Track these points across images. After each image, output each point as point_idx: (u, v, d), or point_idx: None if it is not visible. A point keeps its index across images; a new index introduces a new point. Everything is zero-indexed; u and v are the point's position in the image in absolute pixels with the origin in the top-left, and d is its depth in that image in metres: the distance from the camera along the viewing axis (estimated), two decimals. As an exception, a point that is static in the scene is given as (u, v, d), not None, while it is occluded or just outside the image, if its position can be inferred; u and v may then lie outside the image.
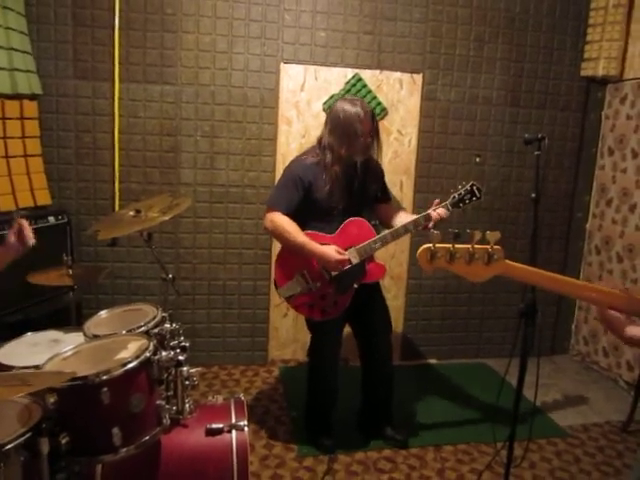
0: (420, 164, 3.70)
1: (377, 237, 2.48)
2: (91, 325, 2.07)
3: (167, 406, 1.78)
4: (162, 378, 1.78)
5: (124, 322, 2.06)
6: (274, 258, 3.54)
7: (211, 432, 1.87)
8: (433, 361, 3.90)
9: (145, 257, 3.42)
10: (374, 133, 2.50)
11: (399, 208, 2.91)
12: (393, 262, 3.73)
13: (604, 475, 2.66)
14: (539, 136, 2.28)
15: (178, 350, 1.89)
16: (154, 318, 2.07)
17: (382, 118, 3.54)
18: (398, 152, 3.66)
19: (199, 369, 1.99)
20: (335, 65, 3.49)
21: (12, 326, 2.63)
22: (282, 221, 2.45)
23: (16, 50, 2.91)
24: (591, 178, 3.93)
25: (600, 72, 3.61)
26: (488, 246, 1.26)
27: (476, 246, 1.26)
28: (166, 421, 1.75)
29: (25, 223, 1.93)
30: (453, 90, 3.65)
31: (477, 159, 3.75)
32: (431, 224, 2.44)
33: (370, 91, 3.51)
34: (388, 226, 2.68)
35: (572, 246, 4.01)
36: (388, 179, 2.85)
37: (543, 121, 3.80)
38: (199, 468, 1.82)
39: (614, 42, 3.54)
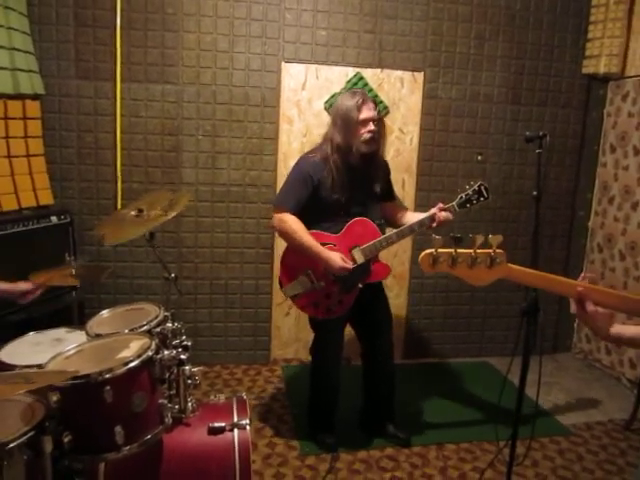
0: (422, 162, 3.69)
1: (382, 237, 2.49)
2: (93, 324, 2.08)
3: (169, 405, 1.79)
4: (164, 377, 1.78)
5: (126, 321, 2.07)
6: (276, 257, 3.57)
7: (213, 431, 1.87)
8: (435, 360, 3.90)
9: (147, 256, 3.43)
10: (378, 123, 2.47)
11: (404, 207, 2.91)
12: (395, 261, 3.72)
13: (607, 473, 2.66)
14: (540, 134, 2.28)
15: (180, 349, 1.90)
16: (156, 317, 2.07)
17: (384, 116, 3.53)
18: (400, 150, 3.66)
19: (201, 368, 2.00)
20: (336, 64, 3.49)
21: (15, 325, 2.64)
22: (290, 221, 2.45)
23: (18, 50, 2.92)
24: (593, 176, 3.92)
25: (601, 69, 3.61)
26: (490, 250, 1.26)
27: (478, 250, 1.26)
28: (168, 420, 1.75)
29: (38, 291, 2.17)
30: (454, 88, 3.65)
31: (479, 157, 3.75)
32: (435, 225, 2.44)
33: (371, 90, 3.51)
34: (393, 224, 2.68)
35: (574, 244, 4.00)
36: (392, 179, 2.84)
37: (544, 119, 3.79)
38: (201, 467, 1.82)
39: (615, 39, 3.53)
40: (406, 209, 2.84)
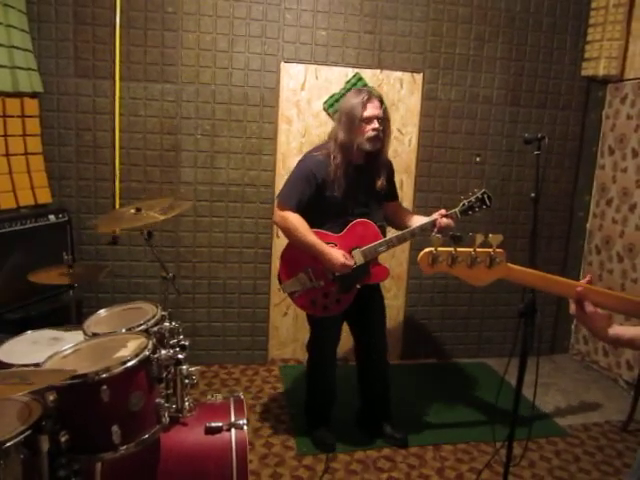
0: (420, 163, 3.70)
1: (383, 240, 2.49)
2: (91, 323, 2.07)
3: (166, 404, 1.79)
4: (162, 376, 1.78)
5: (124, 321, 2.06)
6: (274, 257, 3.57)
7: (210, 430, 1.87)
8: (433, 360, 3.90)
9: (145, 256, 3.42)
10: (383, 122, 2.46)
11: (406, 209, 2.91)
12: (394, 261, 3.73)
13: (604, 474, 2.66)
14: (539, 135, 2.28)
15: (178, 349, 1.90)
16: (154, 317, 2.06)
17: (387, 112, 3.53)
18: (398, 151, 3.66)
19: (199, 368, 2.00)
20: (336, 64, 3.49)
21: (12, 324, 2.63)
22: (293, 219, 2.45)
23: (17, 48, 2.91)
24: (591, 177, 3.93)
25: (601, 72, 3.61)
26: (490, 249, 1.25)
27: (478, 249, 1.25)
28: (165, 419, 1.75)
29: None
30: (453, 89, 3.65)
31: (477, 158, 3.76)
32: (436, 230, 2.44)
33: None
34: (394, 225, 2.69)
35: (572, 245, 4.01)
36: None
37: (543, 120, 3.80)
38: (198, 466, 1.82)
39: (615, 41, 3.53)
40: (408, 211, 2.84)
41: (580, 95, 3.82)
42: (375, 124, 2.42)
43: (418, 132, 3.66)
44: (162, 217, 2.18)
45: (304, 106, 3.51)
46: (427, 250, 1.24)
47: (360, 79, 3.51)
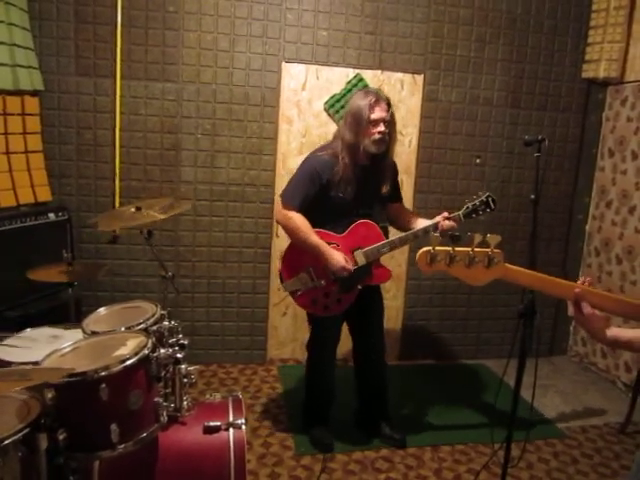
0: (420, 164, 3.70)
1: (385, 242, 2.50)
2: (90, 322, 2.07)
3: (165, 403, 1.78)
4: (160, 375, 1.78)
5: (123, 319, 2.06)
6: (274, 257, 3.57)
7: (209, 430, 1.87)
8: (432, 361, 3.90)
9: (145, 255, 3.42)
10: (389, 124, 2.46)
11: (410, 210, 2.91)
12: (392, 262, 3.73)
13: (601, 476, 2.66)
14: (539, 137, 2.29)
15: (177, 348, 1.89)
16: (153, 315, 2.06)
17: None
18: (398, 152, 3.64)
19: (197, 367, 2.00)
20: (337, 65, 3.49)
21: (11, 322, 2.63)
22: (295, 218, 2.46)
23: (18, 46, 2.91)
24: (591, 180, 3.93)
25: (601, 74, 3.62)
26: (488, 249, 1.26)
27: (476, 249, 1.25)
28: (164, 418, 1.75)
29: None
30: (454, 91, 3.65)
31: (477, 160, 3.76)
32: (438, 232, 2.44)
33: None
34: (397, 226, 2.70)
35: (572, 247, 4.01)
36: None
37: (543, 122, 3.80)
38: (196, 466, 1.82)
39: (615, 44, 3.54)
40: (411, 212, 2.84)
41: (580, 97, 3.82)
42: (381, 127, 2.41)
43: (418, 133, 3.67)
44: (162, 216, 2.18)
45: (305, 106, 3.51)
46: (425, 249, 1.24)
47: (361, 80, 3.51)
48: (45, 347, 1.92)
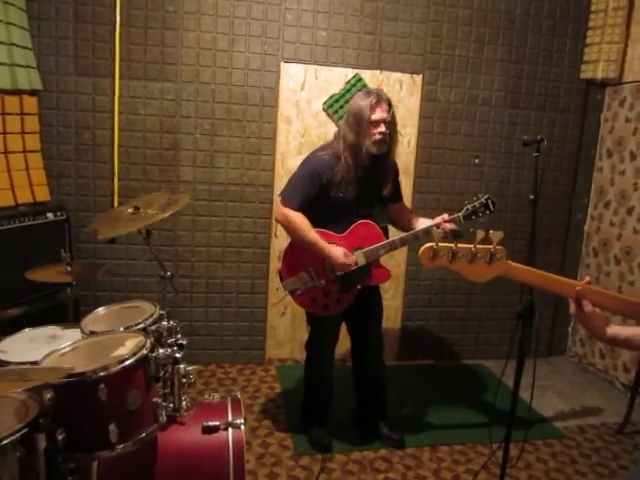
0: (419, 164, 3.70)
1: (386, 242, 2.50)
2: (89, 322, 2.07)
3: (164, 403, 1.78)
4: (159, 375, 1.78)
5: (122, 319, 2.06)
6: (272, 257, 3.57)
7: (207, 430, 1.87)
8: (430, 362, 3.90)
9: (143, 254, 3.42)
10: (390, 125, 2.46)
11: (410, 210, 2.91)
12: (392, 262, 3.72)
13: (600, 476, 2.67)
14: (538, 138, 2.29)
15: (175, 348, 1.90)
16: (152, 315, 2.06)
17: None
18: (398, 152, 3.59)
19: (196, 367, 2.00)
20: (335, 65, 3.49)
21: (10, 322, 2.63)
22: (295, 217, 2.46)
23: (17, 45, 2.91)
24: (590, 180, 3.94)
25: (599, 75, 3.62)
26: (490, 246, 1.26)
27: (479, 245, 1.25)
28: (162, 418, 1.75)
29: None
30: (453, 91, 3.65)
31: (476, 160, 3.76)
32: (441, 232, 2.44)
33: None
34: (398, 226, 2.70)
35: (570, 248, 4.01)
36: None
37: (542, 123, 3.80)
38: (195, 466, 1.82)
39: (614, 45, 3.54)
40: (412, 212, 2.84)
41: (579, 98, 3.83)
42: (382, 128, 2.42)
43: (417, 133, 3.67)
44: (162, 215, 2.17)
45: (304, 106, 3.51)
46: (428, 245, 1.24)
47: (360, 80, 3.52)
48: (44, 347, 1.92)
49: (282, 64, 3.44)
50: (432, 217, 2.55)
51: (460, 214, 2.50)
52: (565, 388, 3.59)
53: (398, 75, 3.59)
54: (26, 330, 2.15)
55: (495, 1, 3.59)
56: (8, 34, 2.86)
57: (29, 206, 3.06)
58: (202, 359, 3.55)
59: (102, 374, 1.55)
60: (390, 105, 2.47)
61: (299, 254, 2.53)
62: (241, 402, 2.04)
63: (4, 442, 1.34)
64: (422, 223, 2.55)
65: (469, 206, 2.51)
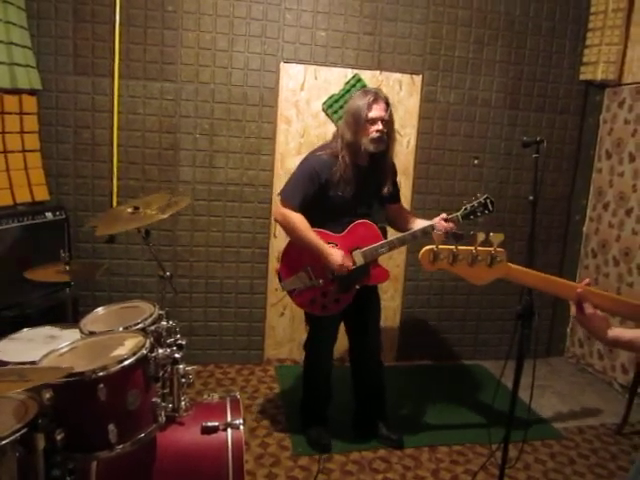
0: (418, 165, 3.70)
1: (384, 242, 2.50)
2: (87, 322, 2.07)
3: (163, 403, 1.78)
4: (158, 375, 1.78)
5: (121, 319, 2.06)
6: (271, 257, 3.57)
7: (207, 430, 1.87)
8: (429, 362, 3.90)
9: (142, 254, 3.41)
10: (388, 124, 2.46)
11: (408, 211, 2.91)
12: (390, 263, 3.73)
13: (598, 477, 2.67)
14: (537, 139, 2.29)
15: (174, 348, 1.90)
16: (151, 315, 2.06)
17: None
18: (397, 153, 3.61)
19: (195, 367, 2.00)
20: (335, 65, 3.49)
21: (8, 322, 2.62)
22: (294, 217, 2.46)
23: (16, 45, 2.90)
24: (588, 181, 3.95)
25: (599, 76, 3.63)
26: (491, 248, 1.26)
27: (479, 248, 1.25)
28: (162, 418, 1.74)
29: None
30: (452, 92, 3.66)
31: (475, 161, 3.76)
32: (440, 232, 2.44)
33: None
34: (396, 227, 2.70)
35: (569, 249, 4.02)
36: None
37: (541, 124, 3.81)
38: (194, 466, 1.82)
39: (613, 46, 3.55)
40: (410, 213, 2.84)
41: (578, 99, 3.83)
42: (379, 126, 2.42)
43: (417, 134, 3.67)
44: (162, 216, 2.17)
45: (303, 106, 3.51)
46: (428, 247, 1.24)
47: (359, 80, 3.52)
48: (42, 347, 1.92)
49: (282, 64, 3.43)
50: (431, 218, 2.56)
51: (459, 214, 2.50)
52: (564, 389, 3.60)
53: (398, 76, 3.59)
54: (25, 330, 2.15)
55: (495, 2, 3.60)
56: (7, 33, 2.85)
57: (28, 206, 3.06)
58: (201, 359, 3.55)
59: (101, 374, 1.55)
60: (388, 104, 2.47)
61: (298, 254, 2.53)
62: (240, 402, 2.04)
63: (3, 442, 1.34)
64: (420, 224, 2.56)
65: (467, 206, 2.51)
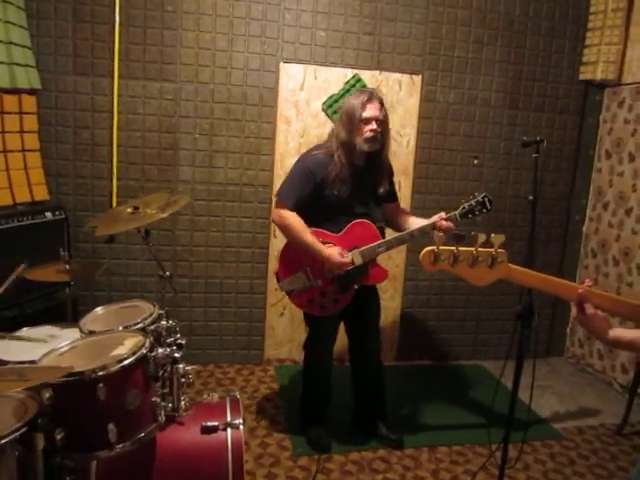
0: (418, 165, 3.70)
1: (382, 241, 2.49)
2: (87, 321, 2.07)
3: (163, 403, 1.78)
4: (158, 375, 1.77)
5: (120, 319, 2.06)
6: (271, 257, 3.57)
7: (206, 430, 1.87)
8: (429, 362, 3.90)
9: (142, 254, 3.41)
10: (382, 123, 2.46)
11: (406, 210, 2.91)
12: (390, 263, 3.73)
13: (598, 477, 2.67)
14: (537, 139, 2.29)
15: (174, 347, 1.90)
16: (151, 315, 2.06)
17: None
18: (396, 153, 3.66)
19: (195, 367, 2.00)
20: (335, 65, 3.49)
21: (8, 321, 2.62)
22: (290, 217, 2.46)
23: (15, 44, 2.90)
24: (588, 181, 3.95)
25: (598, 76, 3.63)
26: (492, 249, 1.26)
27: (480, 249, 1.25)
28: (161, 418, 1.74)
29: None
30: (452, 92, 3.66)
31: (475, 161, 3.76)
32: (440, 233, 2.43)
33: (369, 91, 3.51)
34: (394, 226, 2.69)
35: (569, 249, 4.02)
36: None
37: (541, 124, 3.81)
38: (194, 466, 1.82)
39: (613, 46, 3.55)
40: (408, 212, 2.84)
41: (578, 99, 3.83)
42: (373, 125, 2.42)
43: (416, 134, 3.67)
44: (162, 215, 2.17)
45: (303, 106, 3.51)
46: (429, 248, 1.24)
47: (359, 80, 3.52)
48: (42, 346, 1.92)
49: (281, 64, 3.43)
50: (430, 217, 2.55)
51: (457, 212, 2.49)
52: (563, 389, 3.60)
53: (397, 76, 3.59)
54: (25, 329, 2.15)
55: (494, 2, 3.60)
56: (7, 33, 2.85)
57: (28, 205, 3.06)
58: (201, 359, 3.55)
59: (101, 373, 1.55)
60: (382, 103, 2.48)
61: (296, 254, 2.52)
62: (240, 402, 2.03)
63: (3, 441, 1.34)
64: (418, 223, 2.55)
65: (466, 205, 2.50)
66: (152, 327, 1.95)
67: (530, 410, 2.80)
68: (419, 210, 3.53)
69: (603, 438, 3.01)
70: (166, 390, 1.87)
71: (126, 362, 1.61)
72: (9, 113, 2.96)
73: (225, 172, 3.48)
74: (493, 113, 3.73)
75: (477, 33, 3.62)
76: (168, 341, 1.92)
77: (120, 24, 3.22)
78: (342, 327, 2.79)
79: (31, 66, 3.06)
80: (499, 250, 1.26)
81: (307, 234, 2.45)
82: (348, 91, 3.48)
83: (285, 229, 2.49)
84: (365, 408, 2.85)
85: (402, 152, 3.67)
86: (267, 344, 3.73)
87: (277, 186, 3.23)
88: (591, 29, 3.67)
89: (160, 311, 2.08)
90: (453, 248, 1.24)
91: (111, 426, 1.56)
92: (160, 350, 1.79)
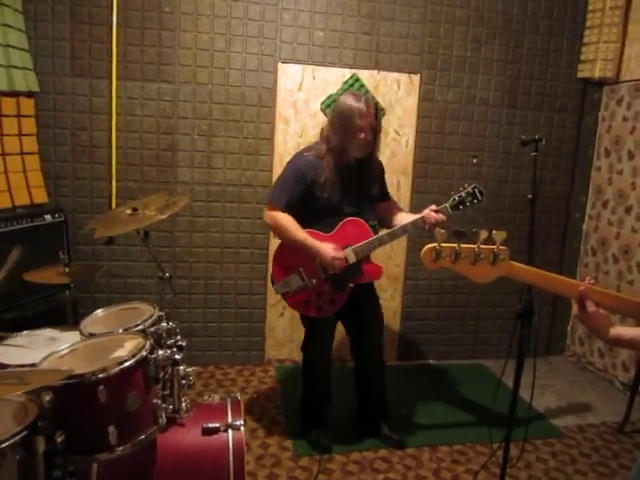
0: (417, 164, 3.70)
1: (374, 237, 2.49)
2: (87, 324, 2.06)
3: (163, 405, 1.78)
4: (158, 377, 1.77)
5: (120, 321, 2.05)
6: (271, 257, 3.55)
7: (207, 431, 1.86)
8: (430, 361, 3.90)
9: (142, 256, 3.41)
10: (375, 130, 2.48)
11: (398, 207, 2.91)
12: (390, 262, 3.73)
13: (600, 476, 2.67)
14: (536, 137, 2.28)
15: (175, 349, 1.89)
16: (151, 317, 2.05)
17: (380, 118, 3.53)
18: (395, 152, 3.66)
19: (195, 368, 2.00)
20: (333, 65, 3.49)
21: (8, 324, 2.62)
22: (282, 218, 2.46)
23: (13, 47, 2.90)
24: (587, 179, 3.95)
25: (597, 74, 3.63)
26: (494, 246, 1.25)
27: (482, 246, 1.25)
28: (162, 420, 1.74)
29: None
30: (450, 91, 3.66)
31: (474, 160, 3.76)
32: (427, 227, 2.43)
33: (368, 91, 3.51)
34: (387, 225, 2.68)
35: (568, 247, 4.02)
36: (386, 179, 2.85)
37: (540, 122, 3.81)
38: (195, 467, 1.82)
39: (611, 44, 3.55)
40: (401, 210, 2.83)
41: (576, 97, 3.83)
42: (367, 135, 2.43)
43: (415, 133, 3.67)
44: (161, 216, 2.17)
45: (301, 106, 3.51)
46: (430, 246, 1.23)
47: (357, 80, 3.51)
48: (42, 349, 1.91)
49: (279, 64, 3.43)
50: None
51: (447, 204, 2.48)
52: (564, 387, 3.60)
53: (396, 75, 3.59)
54: (25, 332, 2.14)
55: (492, 1, 3.60)
56: (4, 36, 2.85)
57: (27, 208, 3.05)
58: (201, 360, 3.54)
59: (101, 376, 1.55)
60: (376, 109, 2.50)
61: (289, 255, 2.52)
62: (241, 403, 2.03)
63: (3, 445, 1.34)
64: (409, 218, 2.54)
65: (456, 196, 2.49)
66: (152, 329, 1.94)
67: (531, 409, 2.80)
68: (419, 210, 3.49)
69: (604, 436, 3.01)
70: (167, 392, 1.86)
71: (126, 364, 1.61)
72: (7, 116, 2.96)
73: (224, 173, 3.47)
74: (492, 112, 3.73)
75: (475, 32, 3.62)
76: (168, 343, 1.92)
77: (118, 25, 3.21)
78: (342, 329, 2.78)
79: (29, 68, 3.06)
80: (501, 247, 1.25)
81: (300, 231, 2.45)
82: (346, 91, 3.47)
83: (278, 229, 2.50)
84: (368, 409, 2.84)
85: (401, 152, 3.67)
86: (267, 345, 3.73)
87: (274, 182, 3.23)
88: (589, 27, 3.67)
89: (160, 313, 2.08)
90: (455, 245, 1.23)
91: (112, 428, 1.55)
92: (160, 352, 1.78)
